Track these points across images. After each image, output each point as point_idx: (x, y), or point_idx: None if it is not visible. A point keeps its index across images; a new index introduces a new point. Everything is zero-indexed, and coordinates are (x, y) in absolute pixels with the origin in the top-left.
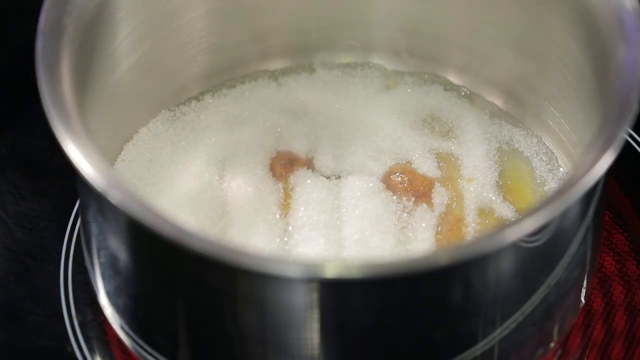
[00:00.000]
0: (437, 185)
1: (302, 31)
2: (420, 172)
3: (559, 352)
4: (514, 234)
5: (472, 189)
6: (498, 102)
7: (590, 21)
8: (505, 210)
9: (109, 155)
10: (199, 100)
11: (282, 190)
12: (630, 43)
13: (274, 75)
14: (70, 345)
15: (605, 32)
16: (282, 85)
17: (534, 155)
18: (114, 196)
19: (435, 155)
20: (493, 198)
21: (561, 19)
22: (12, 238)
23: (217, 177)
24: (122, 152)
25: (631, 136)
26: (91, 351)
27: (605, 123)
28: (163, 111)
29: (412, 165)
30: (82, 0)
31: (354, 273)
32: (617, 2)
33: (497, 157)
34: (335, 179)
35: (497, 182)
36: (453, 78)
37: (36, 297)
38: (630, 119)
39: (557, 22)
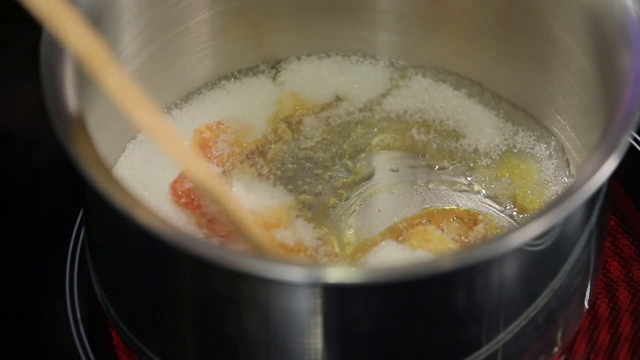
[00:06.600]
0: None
1: (307, 32)
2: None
3: (564, 356)
4: (517, 239)
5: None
6: (505, 107)
7: (595, 28)
8: (512, 214)
9: (112, 156)
10: (204, 102)
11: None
12: (634, 50)
13: (281, 78)
14: (76, 350)
15: (610, 39)
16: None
17: (541, 159)
18: (117, 199)
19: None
20: (500, 201)
21: (566, 26)
22: (16, 243)
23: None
24: (125, 152)
25: (637, 141)
26: (97, 356)
27: (609, 129)
28: (168, 113)
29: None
30: (87, 3)
31: (357, 278)
32: (622, 10)
33: (504, 160)
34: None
35: (504, 185)
36: (460, 82)
37: (42, 302)
38: (633, 125)
39: (563, 29)
